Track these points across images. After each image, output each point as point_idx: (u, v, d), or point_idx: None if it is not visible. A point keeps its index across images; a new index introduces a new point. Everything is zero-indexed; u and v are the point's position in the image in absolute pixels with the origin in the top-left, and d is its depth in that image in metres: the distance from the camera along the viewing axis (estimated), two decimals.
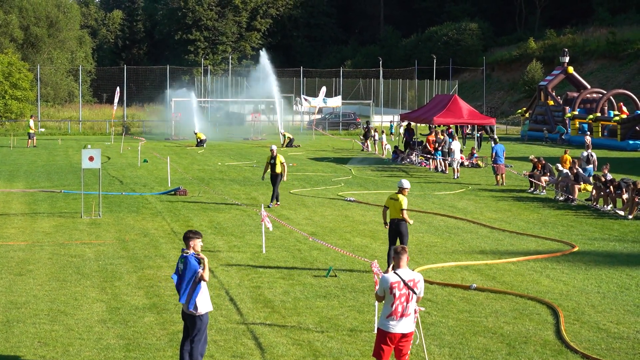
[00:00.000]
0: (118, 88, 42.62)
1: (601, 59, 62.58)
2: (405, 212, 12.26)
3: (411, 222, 12.52)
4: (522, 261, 13.55)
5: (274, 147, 19.76)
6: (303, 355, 8.58)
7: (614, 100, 43.38)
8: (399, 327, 6.81)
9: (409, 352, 7.17)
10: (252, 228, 16.37)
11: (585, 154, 25.07)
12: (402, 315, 6.77)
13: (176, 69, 63.69)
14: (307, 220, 17.76)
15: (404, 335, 6.90)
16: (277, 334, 9.29)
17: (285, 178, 19.78)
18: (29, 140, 37.65)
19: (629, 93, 44.46)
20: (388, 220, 12.42)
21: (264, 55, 48.69)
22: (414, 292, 6.77)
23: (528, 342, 9.09)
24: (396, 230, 12.23)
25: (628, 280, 12.27)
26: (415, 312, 7.29)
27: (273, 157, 19.34)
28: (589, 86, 46.50)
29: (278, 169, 19.26)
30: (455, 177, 26.28)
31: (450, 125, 32.85)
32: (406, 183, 12.42)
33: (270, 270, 12.71)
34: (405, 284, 6.77)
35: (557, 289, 11.69)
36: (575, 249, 14.62)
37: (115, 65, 72.25)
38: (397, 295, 6.75)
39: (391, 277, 6.88)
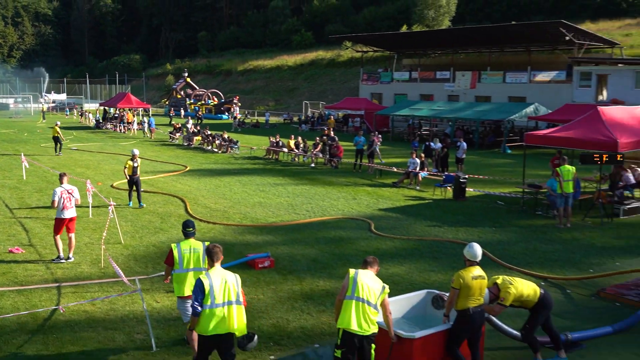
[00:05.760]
0: None
1: (203, 74, 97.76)
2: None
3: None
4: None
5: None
6: None
7: (210, 94, 74.37)
8: None
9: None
10: None
11: None
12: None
13: None
14: None
15: None
16: None
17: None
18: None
19: (218, 91, 75.81)
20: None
21: None
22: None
23: (172, 215, 17.12)
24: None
25: (218, 182, 22.96)
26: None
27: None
28: (197, 87, 76.88)
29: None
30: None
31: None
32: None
33: None
34: None
35: (184, 189, 22.31)
36: (187, 168, 26.46)
37: None
38: None
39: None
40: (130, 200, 18.76)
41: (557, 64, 48.05)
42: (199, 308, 6.81)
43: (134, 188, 18.58)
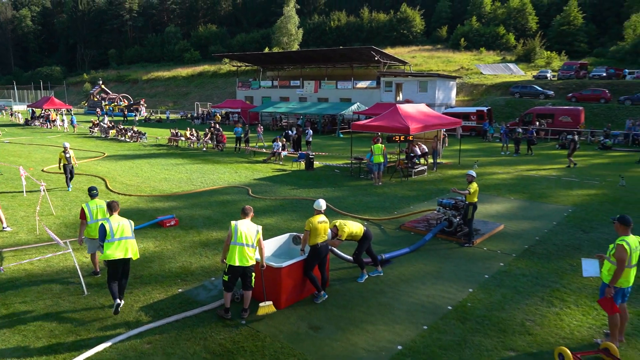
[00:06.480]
0: None
1: (115, 82, 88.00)
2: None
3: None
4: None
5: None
6: None
7: (121, 97, 69.09)
8: None
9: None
10: None
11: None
12: None
13: None
14: None
15: None
16: None
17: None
18: None
19: (128, 95, 70.40)
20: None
21: None
22: None
23: None
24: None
25: (131, 164, 23.74)
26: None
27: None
28: (110, 92, 70.87)
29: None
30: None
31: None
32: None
33: None
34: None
35: (104, 170, 22.78)
36: (105, 155, 24.67)
37: None
38: None
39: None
40: (69, 187, 16.19)
41: (370, 76, 50.22)
42: (101, 243, 7.11)
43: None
